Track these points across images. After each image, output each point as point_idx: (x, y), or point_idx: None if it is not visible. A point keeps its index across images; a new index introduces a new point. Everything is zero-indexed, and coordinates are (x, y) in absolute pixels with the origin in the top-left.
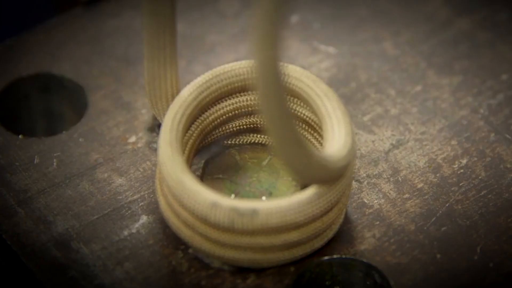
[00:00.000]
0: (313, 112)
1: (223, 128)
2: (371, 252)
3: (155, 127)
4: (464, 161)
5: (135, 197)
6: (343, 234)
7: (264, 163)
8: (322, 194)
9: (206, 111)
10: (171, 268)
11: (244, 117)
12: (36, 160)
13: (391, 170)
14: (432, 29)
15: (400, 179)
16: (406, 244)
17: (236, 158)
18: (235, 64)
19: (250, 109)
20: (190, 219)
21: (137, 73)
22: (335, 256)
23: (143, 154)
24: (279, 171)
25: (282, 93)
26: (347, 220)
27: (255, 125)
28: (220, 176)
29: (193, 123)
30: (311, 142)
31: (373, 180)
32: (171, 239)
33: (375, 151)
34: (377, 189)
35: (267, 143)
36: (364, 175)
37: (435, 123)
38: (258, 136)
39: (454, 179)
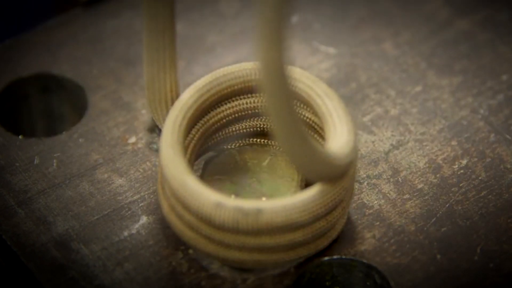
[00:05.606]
0: (314, 112)
1: (225, 131)
2: (371, 252)
3: (155, 127)
4: (464, 162)
5: (135, 197)
6: (343, 235)
7: (264, 163)
8: (326, 192)
9: (207, 114)
10: (171, 268)
11: (246, 120)
12: (36, 161)
13: (391, 170)
14: (432, 29)
15: (400, 179)
16: (406, 244)
17: (236, 159)
18: (235, 66)
19: (251, 111)
20: (194, 221)
21: (137, 73)
22: (335, 257)
23: (143, 154)
24: (279, 172)
25: (287, 89)
26: (347, 220)
27: (257, 127)
28: (220, 177)
29: (194, 126)
30: None
31: (373, 181)
32: (171, 240)
33: (375, 151)
34: (377, 189)
35: (269, 144)
36: (364, 175)
37: (435, 124)
38: (261, 139)
39: (454, 180)
